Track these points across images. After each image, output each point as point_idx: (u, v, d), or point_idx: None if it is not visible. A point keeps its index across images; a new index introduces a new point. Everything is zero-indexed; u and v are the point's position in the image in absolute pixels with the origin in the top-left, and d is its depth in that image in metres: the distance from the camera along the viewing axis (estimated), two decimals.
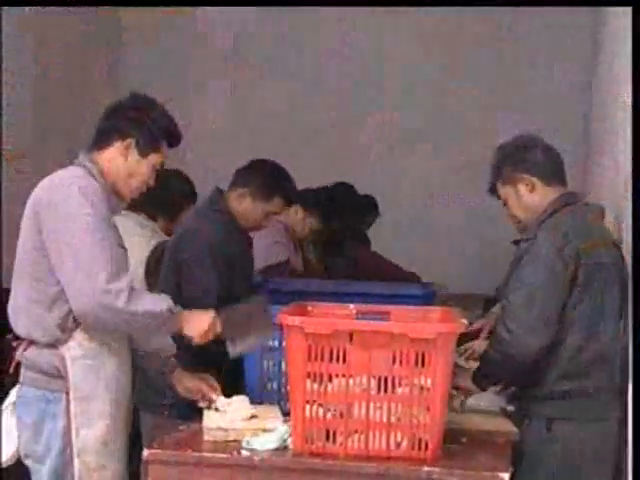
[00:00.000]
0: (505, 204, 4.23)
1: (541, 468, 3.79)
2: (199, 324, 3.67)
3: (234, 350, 3.82)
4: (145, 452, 3.43)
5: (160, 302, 3.55)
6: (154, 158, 3.72)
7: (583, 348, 3.78)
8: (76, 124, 8.86)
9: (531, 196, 3.98)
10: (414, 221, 8.60)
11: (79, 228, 3.47)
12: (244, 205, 4.52)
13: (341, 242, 7.10)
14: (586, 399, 3.80)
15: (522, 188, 3.98)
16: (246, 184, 4.57)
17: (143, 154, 3.69)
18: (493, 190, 4.26)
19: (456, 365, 3.89)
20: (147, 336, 3.71)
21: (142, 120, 3.71)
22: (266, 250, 5.54)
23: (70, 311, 3.45)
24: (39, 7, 8.29)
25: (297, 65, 9.40)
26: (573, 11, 8.25)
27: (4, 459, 3.69)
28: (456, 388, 3.94)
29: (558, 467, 3.77)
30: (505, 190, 4.08)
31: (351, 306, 3.85)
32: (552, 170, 4.00)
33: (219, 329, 3.70)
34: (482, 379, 4.01)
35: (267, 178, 4.64)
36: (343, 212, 6.96)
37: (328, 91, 9.37)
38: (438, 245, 8.53)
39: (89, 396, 3.54)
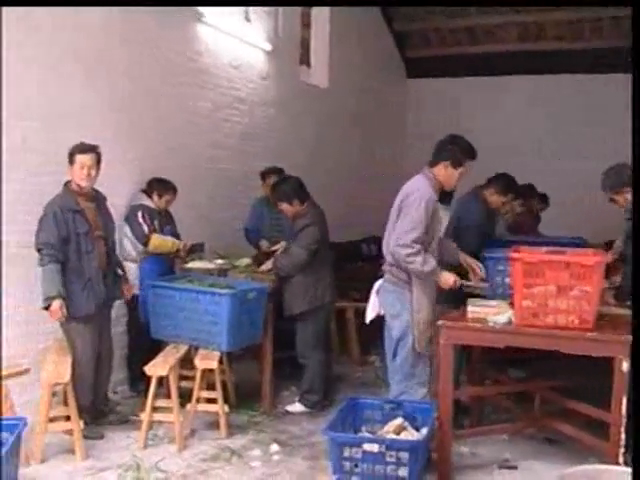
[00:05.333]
0: (618, 203, 4.68)
1: None
2: (444, 282, 4.34)
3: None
4: (439, 322, 4.19)
5: (429, 265, 4.24)
6: (461, 169, 4.44)
7: None
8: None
9: (629, 196, 4.41)
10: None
11: (411, 212, 4.28)
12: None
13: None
14: None
15: (628, 194, 4.44)
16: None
17: (455, 168, 4.43)
18: (611, 199, 4.84)
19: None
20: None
21: (453, 150, 4.43)
22: None
23: None
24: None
25: None
26: None
27: (372, 316, 4.62)
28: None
29: None
30: (618, 197, 4.57)
31: (543, 248, 4.27)
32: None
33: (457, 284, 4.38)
34: (621, 298, 4.47)
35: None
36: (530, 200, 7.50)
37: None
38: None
39: (418, 296, 4.34)
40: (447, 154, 4.45)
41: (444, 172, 4.45)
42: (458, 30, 11.50)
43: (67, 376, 4.50)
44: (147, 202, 5.79)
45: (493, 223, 5.65)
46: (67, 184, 4.84)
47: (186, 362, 5.27)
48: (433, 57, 11.99)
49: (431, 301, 4.41)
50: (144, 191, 5.85)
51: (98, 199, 4.99)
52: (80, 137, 4.99)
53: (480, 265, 4.64)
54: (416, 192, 4.35)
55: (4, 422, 3.99)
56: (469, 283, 4.53)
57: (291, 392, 5.92)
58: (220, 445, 4.83)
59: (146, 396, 4.88)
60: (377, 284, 4.64)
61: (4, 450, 3.64)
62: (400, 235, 4.30)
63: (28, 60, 5.03)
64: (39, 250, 4.66)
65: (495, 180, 5.59)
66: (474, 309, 4.31)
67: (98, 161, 4.83)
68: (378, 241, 8.83)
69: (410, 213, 4.31)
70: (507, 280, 4.52)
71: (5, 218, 4.88)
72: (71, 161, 4.76)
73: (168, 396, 4.94)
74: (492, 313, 4.20)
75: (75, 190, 4.82)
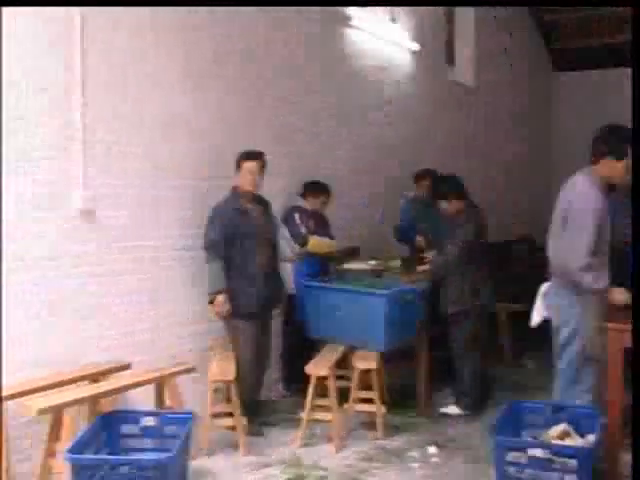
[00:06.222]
0: None
1: None
2: (612, 299, 4.04)
3: None
4: (608, 325, 3.95)
5: (600, 283, 3.97)
6: (622, 162, 4.06)
7: None
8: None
9: None
10: None
11: (579, 222, 4.01)
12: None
13: None
14: None
15: None
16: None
17: (619, 160, 4.07)
18: None
19: None
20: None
21: (612, 141, 4.09)
22: None
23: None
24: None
25: None
26: None
27: (538, 321, 4.39)
28: None
29: None
30: None
31: None
32: None
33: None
34: None
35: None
36: None
37: None
38: None
39: (586, 300, 4.05)
40: (607, 148, 4.12)
41: (608, 168, 4.12)
42: (606, 19, 11.04)
43: (232, 374, 4.67)
44: (302, 204, 5.95)
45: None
46: (234, 188, 5.05)
47: (340, 362, 5.28)
48: (580, 48, 11.57)
49: (600, 304, 4.13)
50: (299, 194, 6.01)
51: (263, 203, 5.18)
52: (231, 143, 5.24)
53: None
54: (583, 198, 4.09)
55: (175, 416, 4.21)
56: None
57: (445, 394, 5.85)
58: (377, 445, 4.86)
59: (302, 395, 4.98)
60: (544, 286, 4.45)
61: (178, 442, 3.85)
62: (570, 247, 4.04)
63: (178, 69, 5.16)
64: (206, 248, 4.90)
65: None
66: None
67: (263, 167, 5.04)
68: (530, 241, 8.72)
69: (578, 223, 4.05)
70: None
71: (159, 224, 4.98)
72: (238, 167, 4.99)
73: (323, 395, 5.02)
74: None
75: (241, 193, 5.03)
